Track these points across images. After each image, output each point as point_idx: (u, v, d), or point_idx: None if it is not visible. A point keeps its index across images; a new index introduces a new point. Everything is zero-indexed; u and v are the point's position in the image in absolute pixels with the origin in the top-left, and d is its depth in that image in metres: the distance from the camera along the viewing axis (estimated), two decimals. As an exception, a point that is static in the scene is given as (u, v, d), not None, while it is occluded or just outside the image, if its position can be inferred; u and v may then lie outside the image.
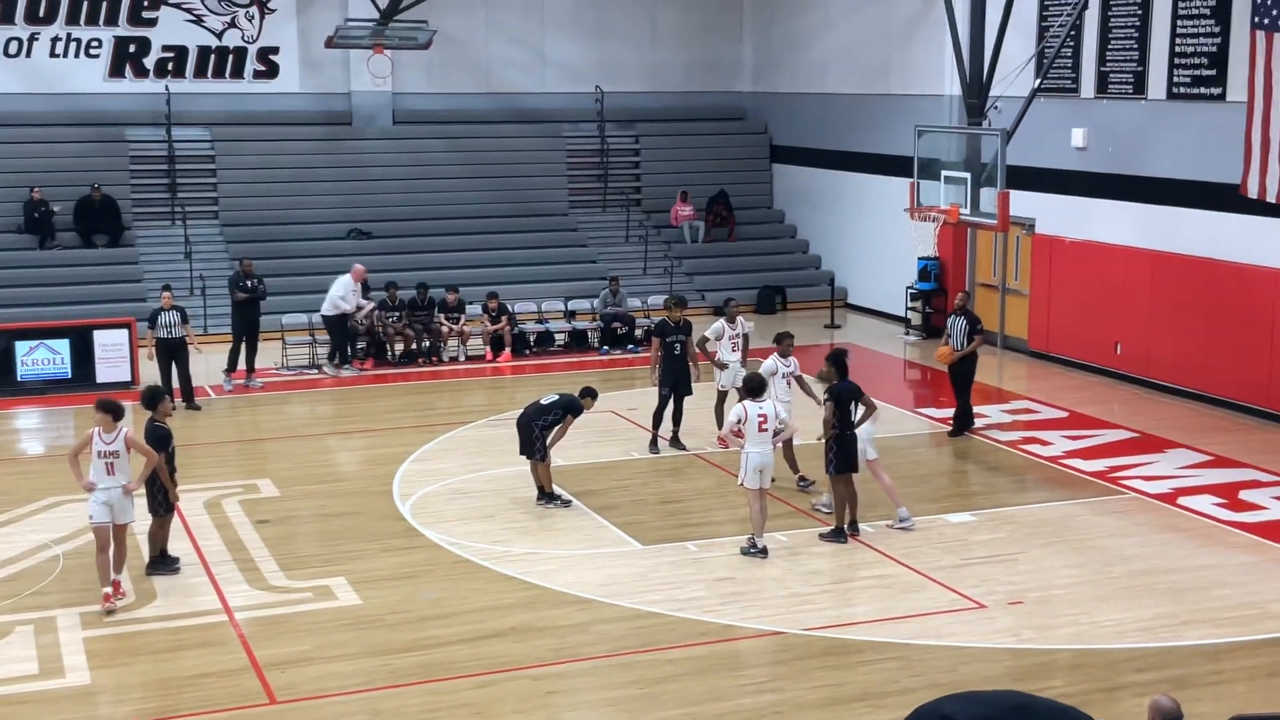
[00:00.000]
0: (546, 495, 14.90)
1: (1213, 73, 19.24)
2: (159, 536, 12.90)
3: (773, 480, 13.45)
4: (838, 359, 14.02)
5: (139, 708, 10.19)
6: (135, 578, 12.66)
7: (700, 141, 30.02)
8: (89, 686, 10.55)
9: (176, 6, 27.08)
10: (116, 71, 26.92)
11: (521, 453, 14.95)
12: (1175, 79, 19.88)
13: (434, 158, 28.31)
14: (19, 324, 21.29)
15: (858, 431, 13.78)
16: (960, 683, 10.40)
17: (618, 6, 29.85)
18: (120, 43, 26.85)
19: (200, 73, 27.33)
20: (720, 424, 16.32)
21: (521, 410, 15.13)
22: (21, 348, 20.37)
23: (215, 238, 26.31)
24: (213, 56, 27.40)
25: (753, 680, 10.68)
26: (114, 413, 12.07)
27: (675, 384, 16.90)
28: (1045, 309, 22.48)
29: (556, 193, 28.85)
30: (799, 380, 15.67)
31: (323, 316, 21.75)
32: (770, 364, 15.35)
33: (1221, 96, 19.07)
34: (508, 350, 22.84)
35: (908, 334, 24.97)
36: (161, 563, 12.89)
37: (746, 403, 13.30)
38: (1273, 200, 17.23)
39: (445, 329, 22.76)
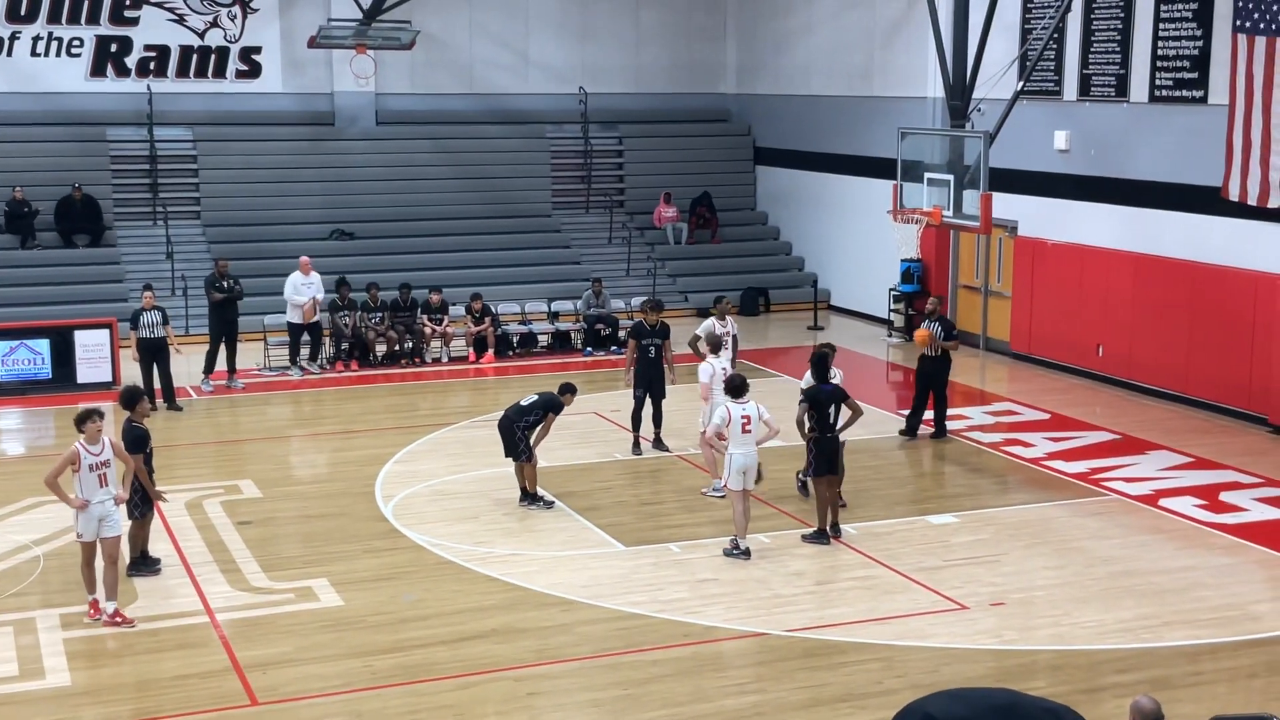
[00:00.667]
0: (529, 496, 14.88)
1: (1194, 75, 19.32)
2: (139, 537, 12.84)
3: (757, 481, 13.45)
4: (819, 359, 14.04)
5: (120, 709, 10.14)
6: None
7: (684, 143, 30.03)
8: (69, 688, 10.51)
9: (158, 6, 26.99)
10: (98, 71, 26.81)
11: (506, 455, 14.93)
12: (1157, 82, 19.95)
13: (417, 158, 28.26)
14: (-1, 324, 21.22)
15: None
16: (942, 683, 10.41)
17: (601, 8, 29.85)
18: (102, 42, 26.75)
19: (182, 72, 27.24)
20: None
21: (502, 413, 15.11)
22: (1, 348, 20.27)
23: (197, 238, 26.23)
24: (195, 56, 27.31)
25: (735, 681, 10.68)
26: (100, 418, 11.81)
27: (650, 386, 16.89)
28: (1027, 311, 22.54)
29: (540, 194, 28.84)
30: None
31: (287, 323, 21.66)
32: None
33: (1203, 99, 19.15)
34: (491, 351, 22.81)
35: (890, 336, 25.01)
36: (143, 563, 12.84)
37: (729, 404, 13.30)
38: (1254, 203, 17.30)
39: (428, 330, 22.72)
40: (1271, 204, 17.03)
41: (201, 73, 27.36)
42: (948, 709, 1.51)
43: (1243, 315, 18.55)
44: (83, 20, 26.57)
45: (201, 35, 27.32)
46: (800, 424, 13.75)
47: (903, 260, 24.29)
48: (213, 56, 27.40)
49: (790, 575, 12.88)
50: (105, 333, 20.63)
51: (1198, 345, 19.28)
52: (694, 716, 9.98)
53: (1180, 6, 19.50)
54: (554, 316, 24.49)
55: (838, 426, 13.78)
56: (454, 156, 28.37)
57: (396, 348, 22.54)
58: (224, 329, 20.54)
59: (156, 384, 19.15)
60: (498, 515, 14.65)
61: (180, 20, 27.19)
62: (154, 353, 19.11)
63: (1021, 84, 19.78)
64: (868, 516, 14.35)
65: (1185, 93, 19.51)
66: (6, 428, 19.03)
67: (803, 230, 28.73)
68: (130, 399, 12.78)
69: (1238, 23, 17.13)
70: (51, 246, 25.17)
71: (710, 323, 17.38)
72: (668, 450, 17.01)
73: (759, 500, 14.34)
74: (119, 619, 11.58)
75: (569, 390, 15.22)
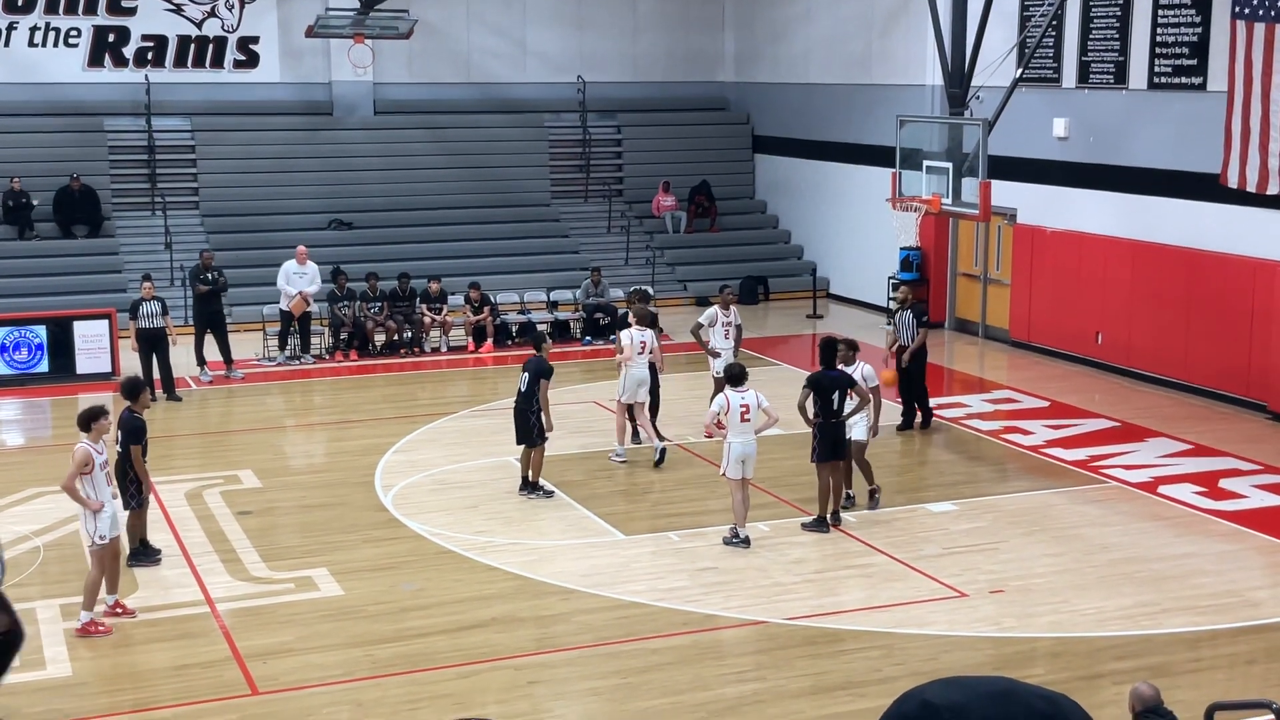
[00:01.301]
0: (530, 485, 14.87)
1: (1193, 62, 19.29)
2: (137, 527, 12.85)
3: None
4: (826, 345, 14.10)
5: (120, 699, 10.16)
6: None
7: (682, 132, 29.99)
8: (70, 678, 10.52)
9: (156, -5, 26.96)
10: (95, 61, 26.76)
11: (519, 441, 14.86)
12: (1156, 69, 19.93)
13: (415, 148, 28.23)
14: (-2, 315, 21.20)
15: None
16: (942, 671, 10.43)
17: (599, -4, 29.82)
18: (99, 32, 26.69)
19: (180, 62, 27.19)
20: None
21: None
22: (1, 338, 20.25)
23: (196, 228, 26.21)
24: (192, 46, 27.26)
25: (735, 669, 10.70)
26: (107, 416, 11.77)
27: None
28: (1026, 299, 22.54)
29: (538, 183, 28.81)
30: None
31: (279, 310, 21.67)
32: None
33: (1202, 86, 19.13)
34: (490, 341, 22.80)
35: (889, 324, 24.97)
36: (143, 553, 12.85)
37: (728, 392, 13.31)
38: (1252, 190, 17.29)
39: (427, 320, 22.72)
40: (1270, 190, 17.01)
41: (199, 63, 27.32)
42: (944, 694, 1.53)
43: (1242, 302, 18.55)
44: (80, 10, 26.51)
45: (199, 25, 27.26)
46: (802, 408, 13.77)
47: (901, 248, 24.25)
48: (210, 46, 27.35)
49: (790, 563, 12.90)
50: (104, 323, 20.63)
51: (1197, 332, 19.29)
52: (694, 705, 10.00)
53: (1179, -7, 19.48)
54: (553, 306, 24.48)
55: (844, 413, 13.79)
56: (452, 146, 28.33)
57: (395, 337, 22.54)
58: (209, 320, 20.53)
59: (156, 374, 19.14)
60: (498, 504, 14.65)
61: (178, 10, 27.13)
62: (153, 343, 19.11)
63: (1020, 71, 19.75)
64: (867, 505, 14.35)
65: (1184, 79, 19.49)
66: (6, 418, 19.03)
67: (801, 218, 28.72)
68: (134, 389, 12.73)
69: (1236, 9, 17.10)
70: (50, 237, 25.15)
71: (713, 310, 17.41)
72: (665, 439, 16.99)
73: (758, 489, 14.34)
74: (119, 610, 11.59)
75: (541, 341, 15.23)
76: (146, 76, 26.75)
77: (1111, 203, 20.79)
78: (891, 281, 25.02)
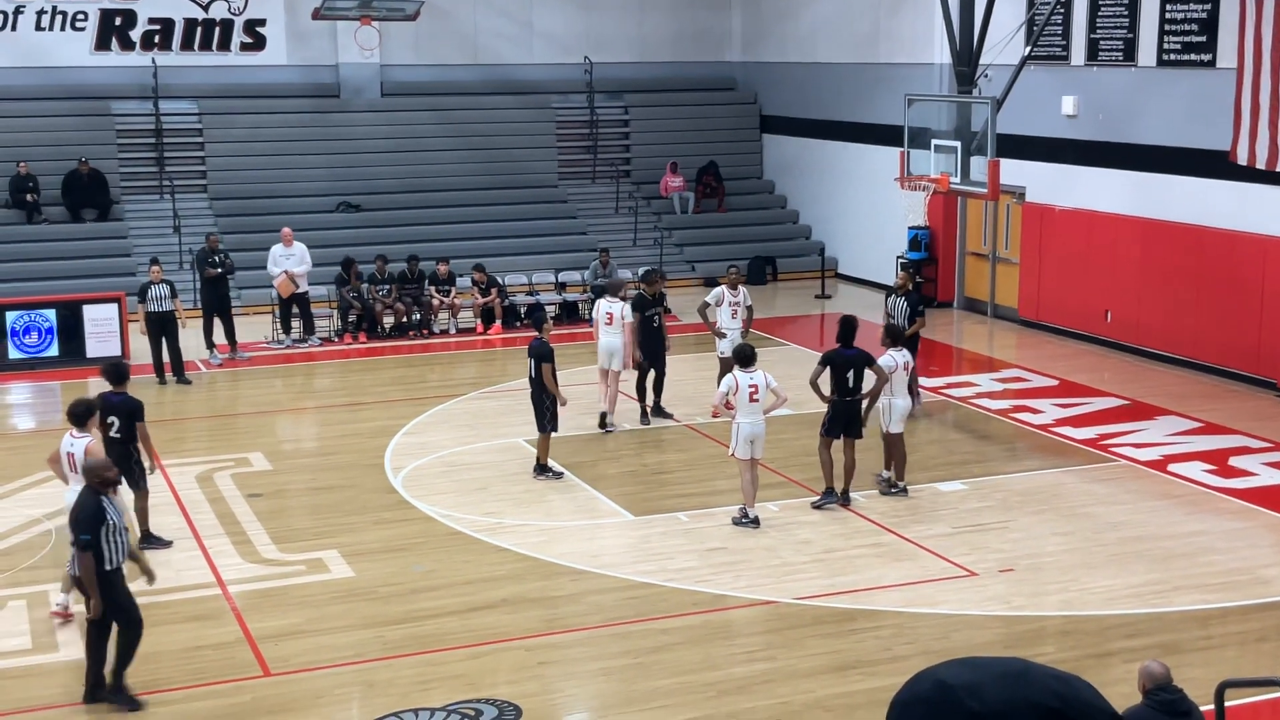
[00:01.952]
0: (540, 468, 14.87)
1: (1203, 39, 19.20)
2: (144, 510, 12.87)
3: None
4: (845, 323, 14.10)
5: (133, 680, 10.17)
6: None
7: (689, 112, 29.92)
8: (83, 661, 10.55)
9: (162, -22, 26.92)
10: (103, 44, 26.75)
11: (540, 429, 14.89)
12: (1165, 45, 19.84)
13: (422, 130, 28.20)
14: (7, 299, 21.21)
15: (901, 403, 13.84)
16: (952, 650, 10.45)
17: (606, -24, 29.73)
18: (106, 15, 26.66)
19: (187, 45, 27.17)
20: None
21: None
22: (11, 322, 20.30)
23: (204, 211, 26.22)
24: (199, 29, 27.23)
25: (745, 649, 10.72)
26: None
27: (652, 356, 16.90)
28: (1035, 277, 22.50)
29: (546, 164, 28.77)
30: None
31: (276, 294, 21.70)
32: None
33: (1212, 63, 19.04)
34: (499, 323, 22.80)
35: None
36: (154, 539, 12.87)
37: (737, 372, 13.31)
38: (1262, 167, 17.24)
39: (436, 302, 22.72)
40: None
41: (206, 45, 27.29)
42: (959, 674, 1.53)
43: (1251, 279, 18.50)
44: (86, -6, 26.51)
45: (205, 8, 27.22)
46: (814, 384, 13.79)
47: (910, 228, 24.22)
48: (217, 29, 27.31)
49: (799, 543, 12.91)
50: (114, 307, 20.66)
51: (1206, 310, 19.24)
52: (704, 684, 10.02)
53: (1188, -31, 19.38)
54: (561, 287, 24.47)
55: (862, 392, 13.81)
56: (460, 128, 28.30)
57: (404, 319, 22.55)
58: (216, 304, 20.56)
59: (165, 358, 19.18)
60: (507, 486, 14.68)
61: (184, -7, 27.11)
62: (162, 326, 19.13)
63: (1029, 49, 19.69)
64: (884, 490, 14.34)
65: (1193, 56, 19.40)
66: (17, 402, 19.08)
67: (810, 198, 28.66)
68: (125, 372, 12.82)
69: (1246, -15, 17.03)
70: (59, 221, 25.17)
71: (719, 290, 17.41)
72: (671, 417, 17.03)
73: (767, 469, 14.35)
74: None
75: (541, 322, 15.25)
76: (153, 60, 26.72)
77: (1121, 181, 20.73)
78: (900, 261, 24.98)
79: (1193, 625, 11.08)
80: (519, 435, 15.73)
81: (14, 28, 26.18)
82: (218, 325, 20.55)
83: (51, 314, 20.50)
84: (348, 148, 27.54)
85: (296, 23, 27.53)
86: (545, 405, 14.63)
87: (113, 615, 9.77)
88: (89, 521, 9.55)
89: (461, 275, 23.22)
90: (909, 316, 16.73)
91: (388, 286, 22.53)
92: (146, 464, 12.79)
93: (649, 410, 17.07)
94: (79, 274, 23.51)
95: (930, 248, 24.67)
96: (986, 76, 19.64)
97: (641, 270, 20.67)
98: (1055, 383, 19.11)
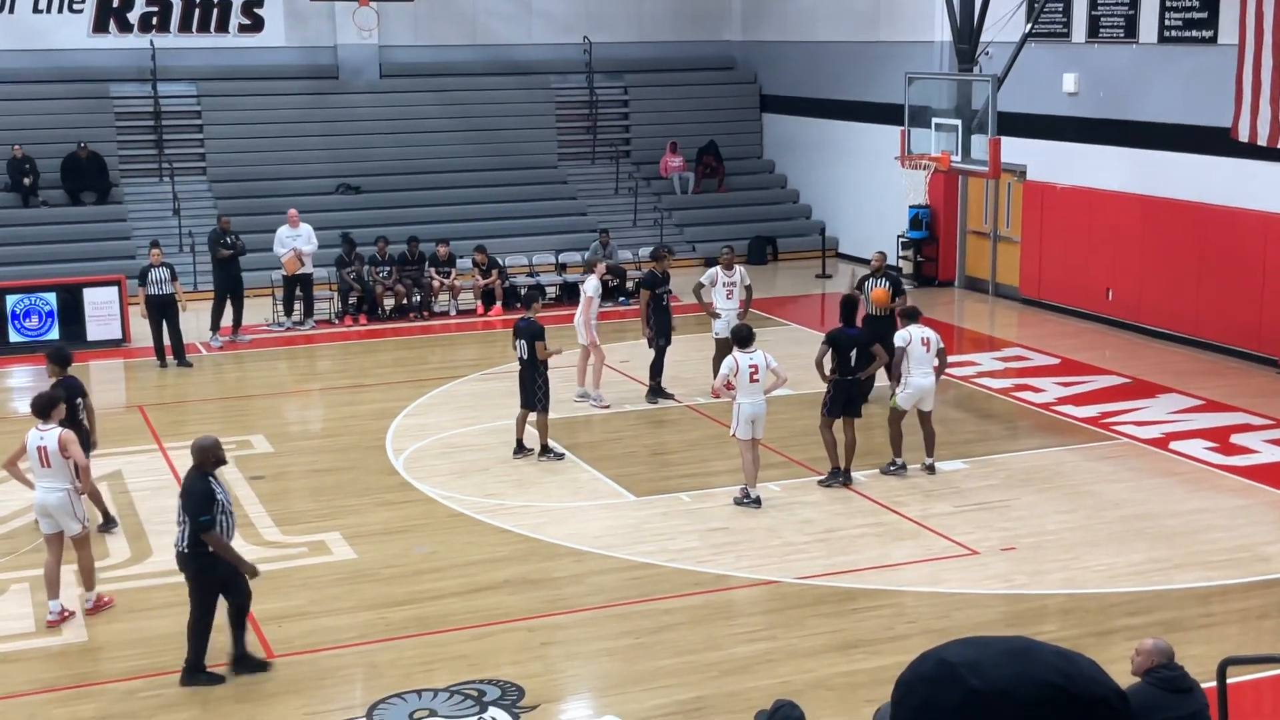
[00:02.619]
0: (525, 448, 14.86)
1: (1204, 15, 19.14)
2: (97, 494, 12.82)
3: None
4: (847, 302, 14.10)
5: (137, 664, 10.22)
6: (132, 536, 12.70)
7: (689, 92, 29.84)
8: (86, 644, 10.59)
9: (159, -40, 26.81)
10: (100, 27, 26.66)
11: (523, 406, 14.87)
12: (1167, 22, 19.78)
13: (422, 111, 28.13)
14: (8, 282, 21.19)
15: (921, 382, 13.82)
16: (954, 629, 10.47)
17: (605, -45, 29.61)
18: (103, -3, 26.60)
19: (185, 27, 27.08)
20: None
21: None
22: (11, 306, 20.29)
23: (203, 194, 26.18)
24: (197, 10, 27.14)
25: (747, 629, 10.73)
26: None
27: (667, 334, 16.91)
28: (1036, 256, 22.47)
29: (545, 145, 28.71)
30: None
31: (281, 277, 21.66)
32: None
33: (1213, 39, 18.98)
34: (499, 304, 22.78)
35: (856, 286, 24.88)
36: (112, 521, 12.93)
37: (737, 353, 13.30)
38: (1263, 144, 17.19)
39: (436, 283, 22.70)
40: (1282, 144, 16.92)
41: (204, 27, 27.21)
42: (961, 653, 1.53)
43: (1253, 257, 18.48)
44: (83, -24, 26.42)
45: (203, -11, 27.15)
46: (819, 364, 13.79)
47: (911, 206, 24.18)
48: (215, 10, 27.23)
49: (801, 523, 12.92)
50: (114, 290, 20.65)
51: (1207, 287, 19.22)
52: (706, 664, 10.04)
53: (1189, -55, 19.30)
54: (561, 268, 24.45)
55: (862, 373, 13.82)
56: (459, 109, 28.23)
57: (405, 301, 22.53)
58: (229, 285, 20.56)
59: (166, 341, 19.18)
60: (509, 467, 14.68)
61: (181, -26, 27.01)
62: (163, 309, 19.12)
63: (1029, 26, 19.62)
64: (879, 463, 14.35)
65: (1195, 33, 19.34)
66: (18, 385, 19.08)
67: (810, 178, 28.61)
68: (71, 357, 12.78)
69: (1248, -39, 16.97)
70: (58, 204, 25.13)
71: (713, 271, 17.39)
72: (671, 398, 17.02)
73: (768, 449, 14.35)
74: (105, 601, 11.32)
75: (533, 301, 15.27)
76: (151, 42, 26.64)
77: (1122, 158, 20.68)
78: (900, 240, 24.96)
79: (1194, 603, 11.09)
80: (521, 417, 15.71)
81: (11, 10, 26.10)
82: (227, 309, 20.55)
83: (52, 297, 20.48)
84: (347, 129, 27.48)
85: (294, 3, 27.44)
86: (536, 385, 14.63)
87: (204, 592, 9.84)
88: (204, 502, 9.68)
89: (461, 257, 23.19)
90: (891, 297, 16.50)
91: (388, 268, 22.51)
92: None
93: (653, 389, 17.06)
94: (79, 257, 23.49)
95: (931, 226, 24.64)
96: (987, 54, 19.58)
97: (653, 248, 20.64)
98: (1057, 361, 19.10)
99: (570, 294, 23.64)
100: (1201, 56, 19.15)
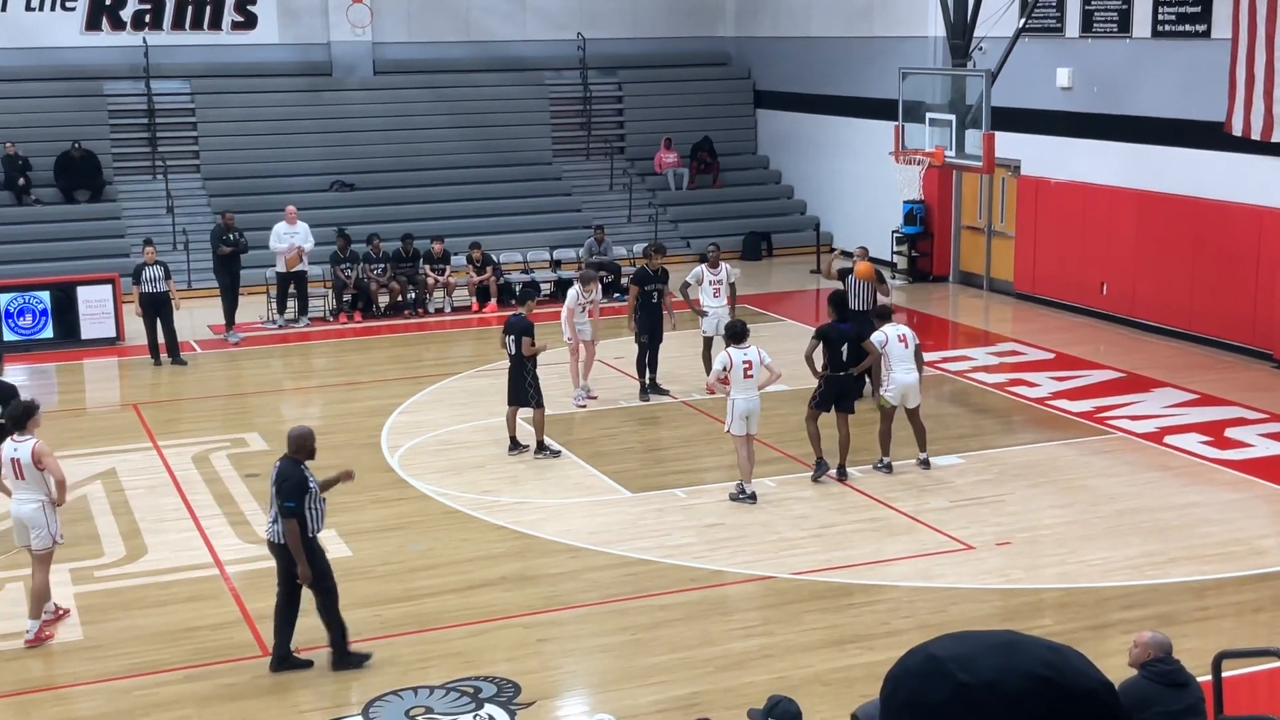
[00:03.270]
0: (519, 446, 14.85)
1: (1198, 10, 19.14)
2: None
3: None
4: (837, 298, 14.10)
5: (132, 662, 10.21)
6: (126, 535, 12.69)
7: (683, 88, 29.82)
8: (81, 641, 10.58)
9: (152, -43, 26.76)
10: (93, 24, 26.61)
11: (511, 402, 14.85)
12: (1160, 16, 19.78)
13: (416, 108, 28.09)
14: (1, 281, 21.13)
15: (903, 379, 13.82)
16: (949, 623, 10.47)
17: (598, -49, 29.57)
18: (96, -5, 26.54)
19: (178, 24, 27.03)
20: (709, 370, 16.34)
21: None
22: (5, 304, 20.26)
23: (197, 191, 26.14)
24: (190, 8, 27.08)
25: (743, 624, 10.73)
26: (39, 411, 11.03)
27: (652, 332, 16.88)
28: (1031, 251, 22.47)
29: (540, 141, 28.68)
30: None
31: (276, 274, 21.63)
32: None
33: (1206, 34, 18.98)
34: (494, 301, 22.76)
35: (893, 278, 24.92)
36: None
37: (731, 349, 13.30)
38: (1257, 137, 17.21)
39: (431, 280, 22.68)
40: (1275, 138, 16.94)
41: (197, 24, 27.15)
42: (950, 648, 1.53)
43: (1247, 251, 18.49)
44: (76, -27, 26.36)
45: (196, -13, 27.09)
46: (809, 359, 13.78)
47: (905, 202, 24.17)
48: (208, 7, 27.17)
49: (796, 519, 12.92)
50: (108, 288, 20.62)
51: (1202, 282, 19.23)
52: (701, 660, 10.04)
53: (1183, -60, 19.30)
54: (556, 264, 24.43)
55: (855, 368, 13.83)
56: (453, 105, 28.20)
57: (399, 298, 22.51)
58: (233, 281, 20.60)
59: (160, 339, 19.15)
60: (504, 464, 14.67)
61: (174, -29, 26.95)
62: (157, 307, 19.10)
63: (1023, 21, 19.62)
64: (873, 459, 14.35)
65: (1188, 27, 19.34)
66: (14, 384, 18.99)
67: (804, 173, 28.60)
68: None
69: (1241, -45, 16.97)
70: (52, 202, 25.09)
71: (699, 269, 17.41)
72: (666, 394, 17.02)
73: (763, 445, 14.35)
74: (63, 612, 10.99)
75: (528, 299, 15.29)
76: (144, 39, 26.59)
77: (1116, 153, 20.68)
78: (895, 235, 24.95)
79: (1189, 596, 11.10)
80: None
81: (4, 8, 26.05)
82: (216, 304, 20.56)
83: (45, 295, 20.45)
84: (341, 126, 27.44)
85: (287, 0, 27.40)
86: (526, 381, 14.62)
87: (321, 576, 9.98)
88: (294, 490, 9.82)
89: (456, 253, 23.17)
90: (873, 295, 16.41)
91: (382, 265, 22.49)
92: None
93: (646, 387, 17.06)
94: (73, 255, 23.43)
95: (925, 222, 24.64)
96: (981, 49, 19.57)
97: (644, 245, 20.66)
98: (1051, 356, 19.11)
99: (565, 291, 23.61)
100: (1195, 51, 19.16)
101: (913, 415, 14.15)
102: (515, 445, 14.87)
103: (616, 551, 12.16)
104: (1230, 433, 15.38)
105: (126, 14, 26.72)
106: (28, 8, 26.18)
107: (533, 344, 14.58)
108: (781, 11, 28.71)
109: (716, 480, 13.87)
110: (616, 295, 23.24)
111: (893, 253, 25.17)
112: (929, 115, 19.44)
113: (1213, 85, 18.12)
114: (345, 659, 10.00)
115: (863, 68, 25.76)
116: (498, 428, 15.68)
